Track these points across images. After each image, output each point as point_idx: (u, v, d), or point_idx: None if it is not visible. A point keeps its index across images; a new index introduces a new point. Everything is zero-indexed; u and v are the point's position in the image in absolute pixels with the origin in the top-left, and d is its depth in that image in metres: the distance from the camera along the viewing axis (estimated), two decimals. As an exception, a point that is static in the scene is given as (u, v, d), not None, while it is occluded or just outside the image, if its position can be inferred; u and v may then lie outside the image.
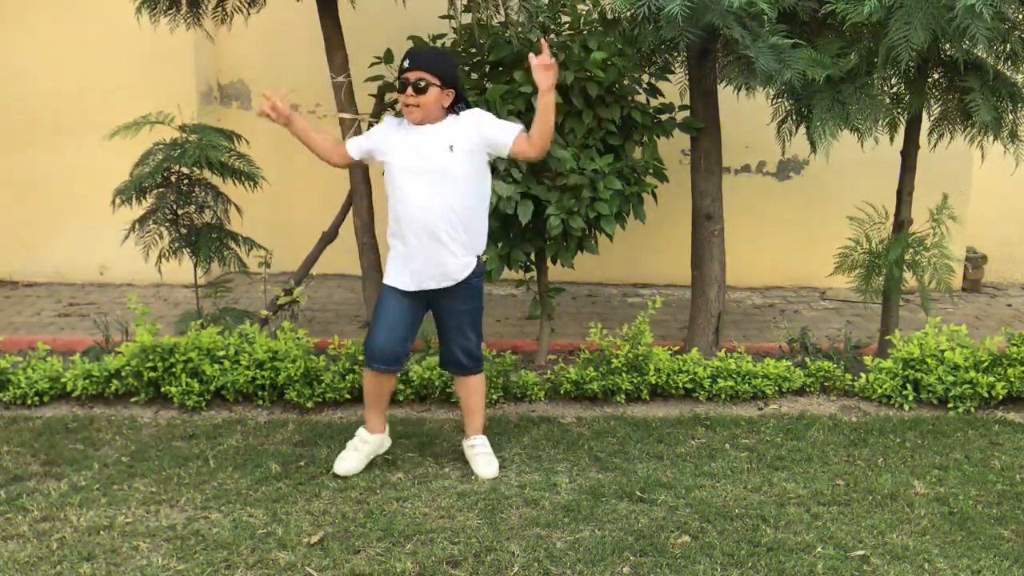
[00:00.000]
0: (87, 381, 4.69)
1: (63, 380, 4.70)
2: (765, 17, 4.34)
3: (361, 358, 4.71)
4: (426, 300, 3.92)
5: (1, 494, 3.73)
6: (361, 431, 4.02)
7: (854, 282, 5.19)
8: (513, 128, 3.79)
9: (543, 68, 3.65)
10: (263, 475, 3.92)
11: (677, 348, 5.34)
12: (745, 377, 4.86)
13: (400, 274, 3.87)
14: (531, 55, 3.70)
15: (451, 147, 3.75)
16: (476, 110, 3.87)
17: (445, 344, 4.03)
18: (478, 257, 3.91)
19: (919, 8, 4.30)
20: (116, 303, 6.64)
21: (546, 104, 3.68)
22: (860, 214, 5.25)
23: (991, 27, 4.21)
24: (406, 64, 3.75)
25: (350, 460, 3.94)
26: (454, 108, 3.83)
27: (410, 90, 3.73)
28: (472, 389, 4.09)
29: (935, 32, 4.32)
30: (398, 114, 3.86)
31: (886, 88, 5.06)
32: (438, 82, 3.74)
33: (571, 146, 4.85)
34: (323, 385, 4.67)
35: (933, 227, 5.06)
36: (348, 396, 4.71)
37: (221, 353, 4.71)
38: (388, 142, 3.86)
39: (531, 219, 4.75)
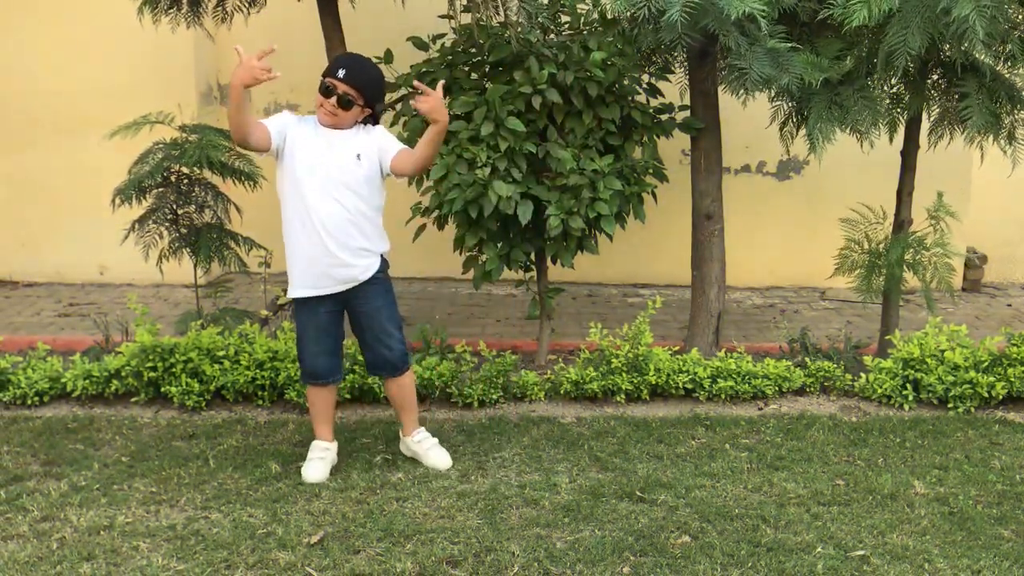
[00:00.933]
0: (87, 381, 4.69)
1: (63, 380, 4.70)
2: (763, 21, 4.33)
3: (360, 358, 4.71)
4: (340, 303, 3.89)
5: (1, 494, 3.73)
6: (319, 441, 4.00)
7: (854, 282, 5.19)
8: (394, 149, 3.79)
9: (425, 102, 3.63)
10: (263, 475, 3.92)
11: (677, 348, 5.34)
12: (745, 377, 4.86)
13: (303, 280, 3.83)
14: (418, 84, 3.68)
15: (358, 156, 3.75)
16: (379, 129, 3.87)
17: (369, 348, 3.97)
18: (382, 256, 3.90)
19: (916, 13, 4.30)
20: (116, 303, 6.64)
21: (436, 136, 3.67)
22: (858, 214, 5.25)
23: (988, 30, 4.21)
24: (340, 74, 3.70)
25: (317, 469, 3.90)
26: (364, 122, 3.87)
27: (335, 100, 3.71)
28: (405, 386, 4.06)
29: (932, 36, 4.32)
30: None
31: (886, 89, 5.06)
32: (363, 102, 3.75)
33: (571, 146, 4.85)
34: (323, 385, 4.67)
35: (932, 225, 5.06)
36: (348, 396, 4.71)
37: (221, 353, 4.71)
38: (300, 136, 3.77)
39: (531, 219, 4.75)
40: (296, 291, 3.85)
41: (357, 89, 3.72)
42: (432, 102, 3.65)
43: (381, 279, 3.91)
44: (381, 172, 3.85)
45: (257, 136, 3.73)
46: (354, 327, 4.01)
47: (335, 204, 3.74)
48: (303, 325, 3.91)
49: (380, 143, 3.82)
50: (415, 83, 3.77)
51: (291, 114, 3.87)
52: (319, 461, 3.94)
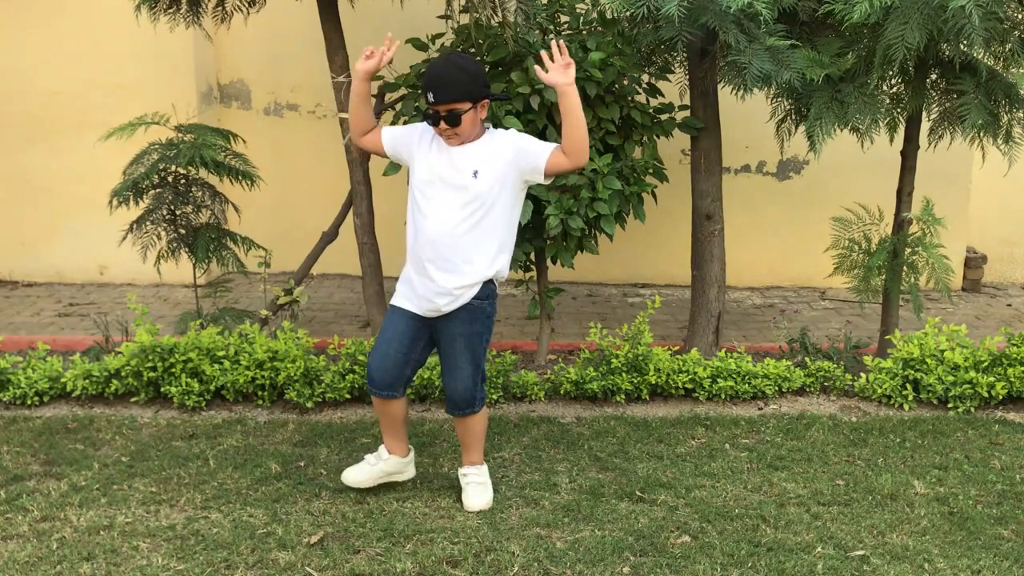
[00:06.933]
0: (87, 381, 4.69)
1: (63, 380, 4.70)
2: (762, 19, 4.34)
3: (361, 358, 4.72)
4: (430, 322, 3.61)
5: (1, 494, 3.73)
6: (381, 448, 3.77)
7: (851, 282, 5.19)
8: (545, 150, 3.49)
9: (555, 69, 3.42)
10: (263, 475, 3.92)
11: (677, 348, 5.34)
12: (745, 377, 4.86)
13: (405, 293, 3.61)
14: (544, 56, 3.44)
15: (475, 172, 3.46)
16: (512, 133, 3.59)
17: (443, 376, 3.66)
18: (486, 283, 3.57)
19: (915, 8, 4.31)
20: (116, 303, 6.64)
21: (569, 106, 3.41)
22: (853, 214, 5.25)
23: (987, 27, 4.22)
24: (431, 98, 3.43)
25: (359, 472, 3.72)
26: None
27: (443, 124, 3.46)
28: (467, 428, 3.73)
29: (931, 32, 4.33)
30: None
31: (886, 88, 5.07)
32: (470, 104, 3.46)
33: (571, 146, 4.84)
34: (323, 385, 4.67)
35: (922, 229, 5.06)
36: (348, 396, 4.71)
37: (221, 353, 4.71)
38: (419, 150, 3.58)
39: (531, 219, 4.75)
40: (393, 299, 3.65)
41: (456, 100, 3.43)
42: (570, 70, 3.41)
43: (475, 304, 3.56)
44: (514, 185, 3.54)
45: (370, 139, 3.70)
46: (437, 349, 3.70)
47: (446, 224, 3.47)
48: (384, 326, 3.64)
49: (515, 151, 3.51)
50: (553, 44, 3.45)
51: (417, 127, 3.65)
52: (365, 465, 3.74)
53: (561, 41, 3.50)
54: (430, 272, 3.50)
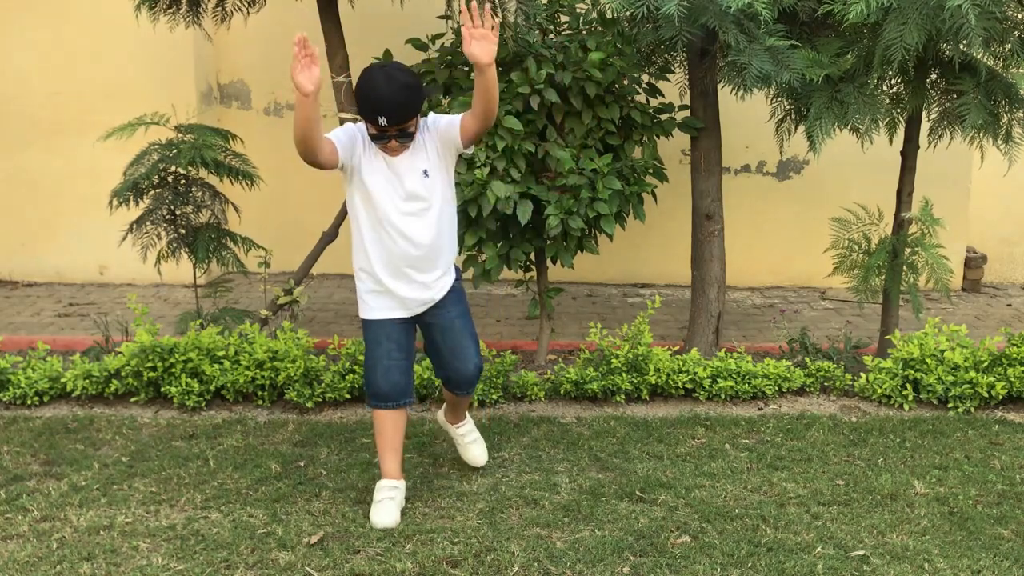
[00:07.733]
0: (87, 381, 4.69)
1: (63, 380, 4.70)
2: (762, 19, 4.34)
3: (361, 357, 4.71)
4: (413, 319, 3.62)
5: (1, 494, 3.73)
6: (387, 481, 3.63)
7: (850, 282, 5.19)
8: (456, 124, 3.44)
9: (479, 39, 3.22)
10: (263, 475, 3.92)
11: (677, 348, 5.34)
12: (745, 377, 4.86)
13: (380, 305, 3.56)
14: (466, 16, 3.23)
15: (425, 171, 3.46)
16: (430, 117, 3.53)
17: (449, 363, 3.65)
18: (455, 266, 3.68)
19: (913, 8, 4.31)
20: (116, 303, 6.64)
21: (487, 83, 3.27)
22: (852, 215, 5.25)
23: (985, 27, 4.22)
24: (383, 122, 3.31)
25: (390, 510, 3.54)
26: None
27: (394, 143, 3.39)
28: (469, 395, 3.85)
29: (930, 32, 4.33)
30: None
31: (885, 88, 5.07)
32: (416, 119, 3.40)
33: (570, 146, 4.85)
34: (323, 385, 4.67)
35: (921, 229, 5.06)
36: (348, 396, 4.71)
37: (221, 353, 4.71)
38: (363, 155, 3.47)
39: (531, 219, 4.76)
40: (371, 314, 3.57)
41: (410, 120, 3.36)
42: (491, 44, 3.23)
43: (457, 286, 3.64)
44: (450, 162, 3.53)
45: (326, 154, 3.35)
46: (427, 343, 3.68)
47: (412, 232, 3.46)
48: (374, 337, 3.57)
49: (438, 134, 3.47)
50: (474, 5, 3.28)
51: (357, 130, 3.49)
52: (389, 502, 3.56)
53: (487, 5, 3.29)
54: (411, 275, 3.53)
